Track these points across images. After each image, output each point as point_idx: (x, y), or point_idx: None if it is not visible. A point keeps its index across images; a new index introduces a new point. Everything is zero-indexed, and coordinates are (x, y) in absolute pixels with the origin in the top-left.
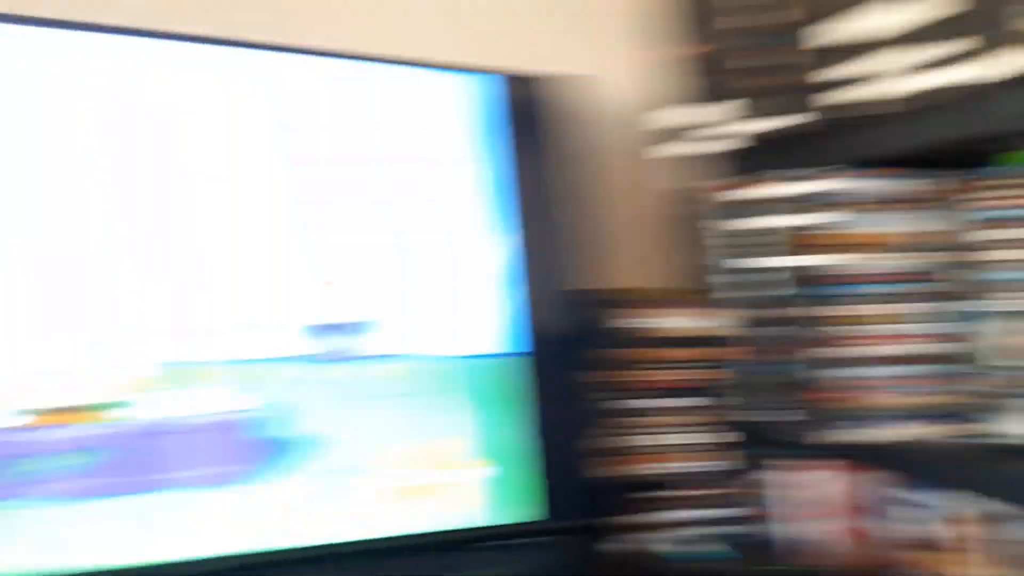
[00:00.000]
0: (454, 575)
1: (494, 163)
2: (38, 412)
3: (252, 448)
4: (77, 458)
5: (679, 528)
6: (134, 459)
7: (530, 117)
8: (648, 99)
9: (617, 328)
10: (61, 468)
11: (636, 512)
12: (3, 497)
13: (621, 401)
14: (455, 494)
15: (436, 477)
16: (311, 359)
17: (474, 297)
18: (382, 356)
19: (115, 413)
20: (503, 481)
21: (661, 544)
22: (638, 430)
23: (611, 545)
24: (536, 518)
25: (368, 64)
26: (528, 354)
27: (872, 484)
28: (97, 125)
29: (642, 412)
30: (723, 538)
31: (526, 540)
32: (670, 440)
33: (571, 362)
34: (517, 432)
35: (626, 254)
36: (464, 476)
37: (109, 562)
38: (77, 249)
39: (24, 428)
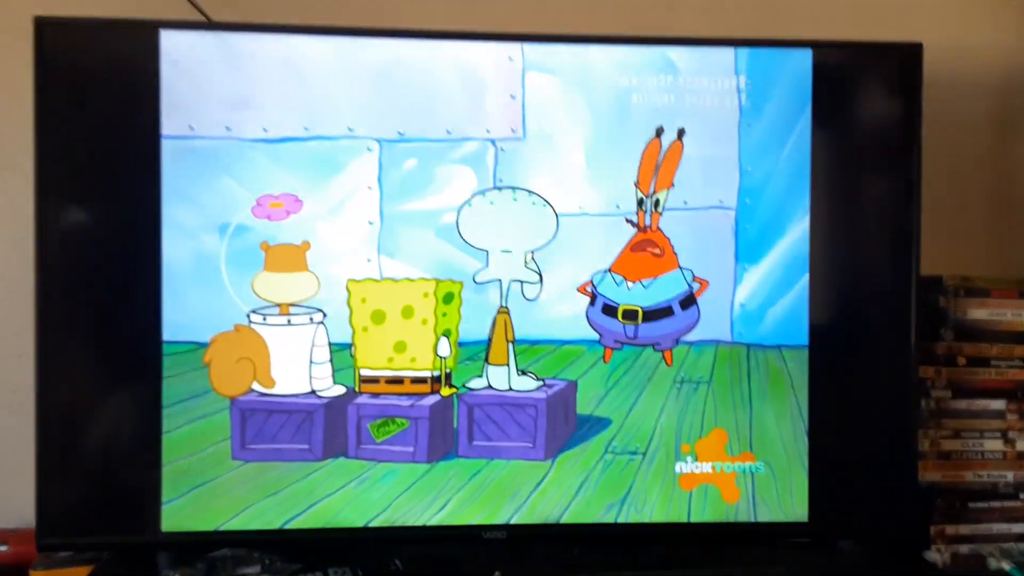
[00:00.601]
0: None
1: (799, 138)
2: (367, 381)
3: (540, 425)
4: (395, 425)
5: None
6: (441, 428)
7: (846, 88)
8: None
9: (942, 319)
10: (381, 432)
11: (947, 521)
12: (333, 455)
13: (939, 400)
14: (725, 486)
15: (708, 467)
16: (601, 343)
17: (764, 283)
18: (667, 342)
19: (428, 386)
20: (769, 478)
21: (989, 558)
22: (957, 433)
23: (925, 554)
24: (797, 519)
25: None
26: (809, 347)
27: None
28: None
29: (961, 413)
30: None
31: (788, 540)
32: (990, 446)
33: (862, 357)
34: (791, 429)
35: (957, 237)
36: (734, 469)
37: (421, 521)
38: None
39: (355, 394)
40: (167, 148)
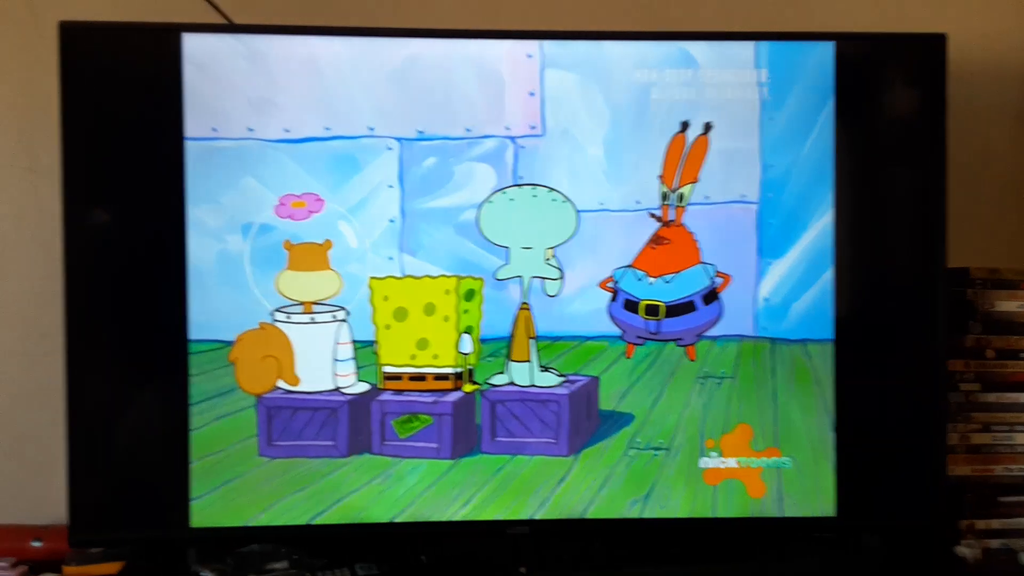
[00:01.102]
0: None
1: (821, 132)
2: (390, 378)
3: (563, 421)
4: (419, 421)
5: None
6: (465, 424)
7: (869, 80)
8: None
9: (970, 312)
10: (405, 429)
11: (977, 516)
12: (358, 451)
13: (968, 394)
14: (750, 481)
15: (733, 462)
16: (623, 338)
17: (788, 277)
18: (690, 337)
19: (450, 383)
20: (796, 473)
21: (1021, 552)
22: (987, 427)
23: (955, 549)
24: (824, 514)
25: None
26: (834, 341)
27: None
28: None
29: (991, 407)
30: None
31: (814, 535)
32: (1020, 440)
33: (888, 350)
34: (817, 424)
35: (984, 229)
36: (760, 464)
37: (445, 516)
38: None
39: (378, 391)
40: (191, 149)
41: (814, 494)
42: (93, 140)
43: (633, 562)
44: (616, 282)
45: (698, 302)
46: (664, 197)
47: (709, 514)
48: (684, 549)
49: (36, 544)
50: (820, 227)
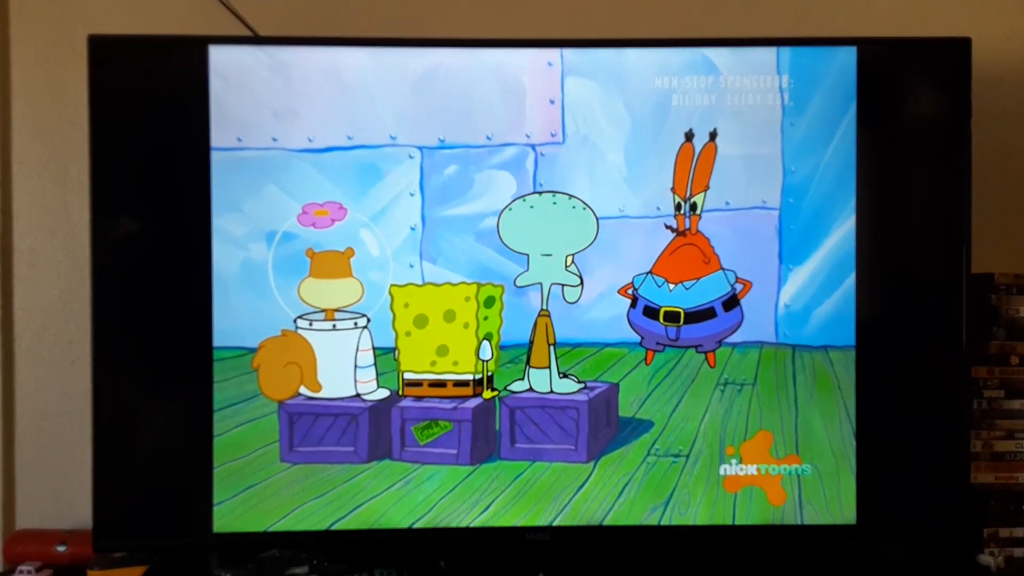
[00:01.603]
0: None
1: (843, 137)
2: (410, 385)
3: (582, 427)
4: (439, 427)
5: None
6: (484, 430)
7: (892, 85)
8: None
9: (994, 318)
10: (425, 435)
11: (1001, 524)
12: (378, 457)
13: (991, 400)
14: (771, 488)
15: (753, 469)
16: (642, 345)
17: (809, 283)
18: (710, 344)
19: (470, 389)
20: (817, 480)
21: None
22: (1011, 434)
23: (978, 558)
24: (845, 521)
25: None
26: (856, 347)
27: None
28: None
29: (1014, 414)
30: None
31: (835, 543)
32: None
33: (911, 357)
34: (839, 431)
35: (1008, 234)
36: (780, 471)
37: (464, 522)
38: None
39: (398, 398)
40: (216, 159)
41: (835, 502)
42: (121, 151)
43: (652, 569)
44: (636, 288)
45: (718, 308)
46: (678, 208)
47: (729, 521)
48: (704, 556)
49: (61, 548)
50: (842, 233)
